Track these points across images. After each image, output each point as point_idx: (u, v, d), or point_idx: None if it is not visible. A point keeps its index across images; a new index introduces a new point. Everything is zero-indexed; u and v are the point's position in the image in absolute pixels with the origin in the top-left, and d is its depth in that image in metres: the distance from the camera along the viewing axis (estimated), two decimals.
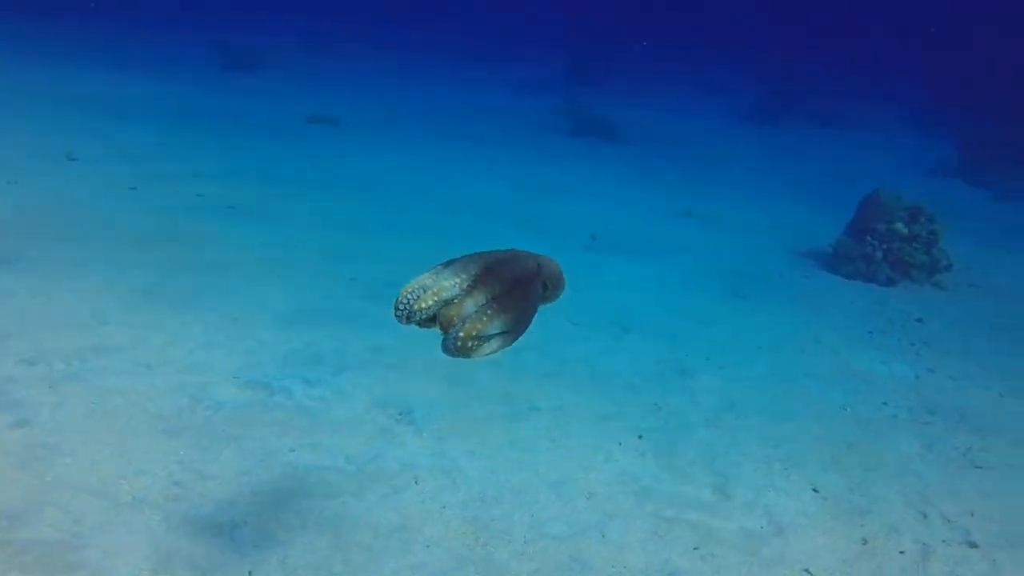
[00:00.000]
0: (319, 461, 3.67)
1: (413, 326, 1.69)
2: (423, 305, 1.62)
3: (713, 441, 4.35)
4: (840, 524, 3.72)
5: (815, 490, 3.98)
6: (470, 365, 4.87)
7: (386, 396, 4.34)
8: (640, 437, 4.26)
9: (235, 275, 5.79)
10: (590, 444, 4.13)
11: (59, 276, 5.28)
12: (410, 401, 4.32)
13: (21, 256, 5.52)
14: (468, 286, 1.64)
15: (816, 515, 3.77)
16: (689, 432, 4.41)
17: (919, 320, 6.73)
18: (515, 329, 1.68)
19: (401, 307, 1.64)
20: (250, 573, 2.95)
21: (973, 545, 3.67)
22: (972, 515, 3.92)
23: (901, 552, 3.57)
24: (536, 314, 1.79)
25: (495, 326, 1.63)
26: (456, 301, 1.62)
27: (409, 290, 1.65)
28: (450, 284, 1.63)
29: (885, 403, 5.10)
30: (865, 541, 3.62)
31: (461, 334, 1.61)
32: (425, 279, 1.66)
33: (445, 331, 1.64)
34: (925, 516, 3.87)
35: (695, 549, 3.42)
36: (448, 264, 1.69)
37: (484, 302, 1.63)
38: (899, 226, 7.63)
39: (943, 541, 3.68)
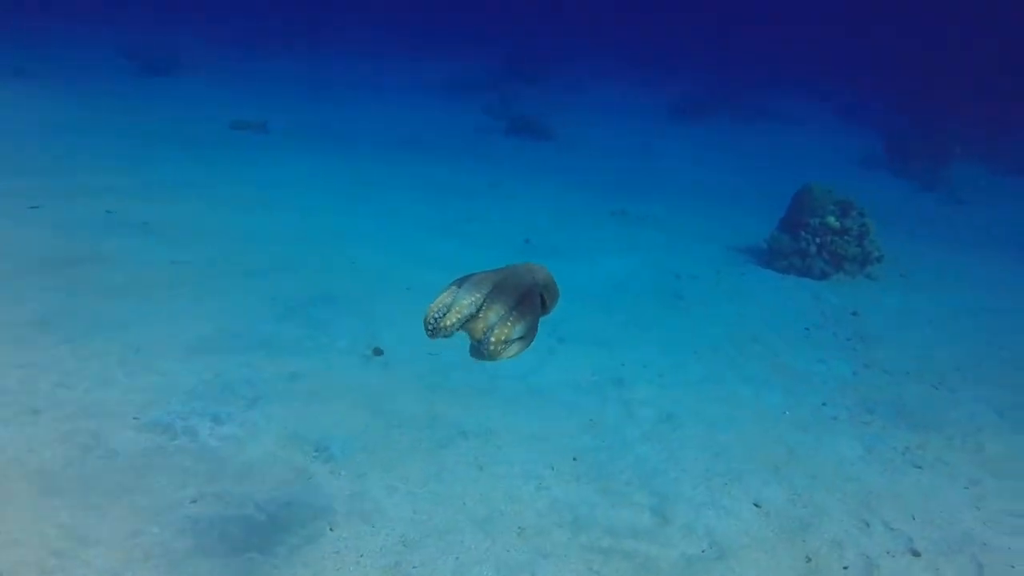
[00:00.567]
0: (223, 512, 3.33)
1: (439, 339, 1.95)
2: (449, 322, 1.89)
3: (650, 457, 4.17)
4: (783, 542, 3.58)
5: (757, 505, 3.84)
6: (395, 388, 4.58)
7: (302, 430, 4.02)
8: (575, 459, 4.05)
9: (143, 299, 5.37)
10: (520, 471, 3.89)
11: None
12: (328, 434, 4.01)
13: None
14: (485, 303, 1.91)
15: (758, 533, 3.62)
16: (626, 449, 4.22)
17: (854, 314, 6.71)
18: (530, 334, 1.96)
19: (431, 325, 1.90)
20: None
21: (916, 554, 3.58)
22: (914, 519, 3.84)
23: (845, 568, 3.44)
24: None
25: (517, 331, 1.91)
26: (480, 316, 1.90)
27: (435, 310, 1.91)
28: (468, 302, 1.90)
29: (824, 404, 5.02)
30: (809, 559, 3.48)
31: (492, 339, 1.88)
32: (446, 298, 1.92)
33: (477, 340, 1.90)
34: (868, 525, 3.76)
35: None
36: (460, 284, 1.96)
37: (504, 312, 1.91)
38: (831, 220, 7.64)
39: (887, 552, 3.57)
